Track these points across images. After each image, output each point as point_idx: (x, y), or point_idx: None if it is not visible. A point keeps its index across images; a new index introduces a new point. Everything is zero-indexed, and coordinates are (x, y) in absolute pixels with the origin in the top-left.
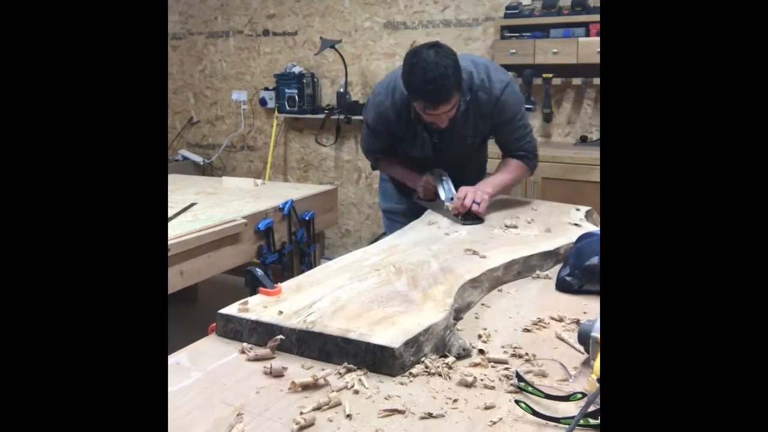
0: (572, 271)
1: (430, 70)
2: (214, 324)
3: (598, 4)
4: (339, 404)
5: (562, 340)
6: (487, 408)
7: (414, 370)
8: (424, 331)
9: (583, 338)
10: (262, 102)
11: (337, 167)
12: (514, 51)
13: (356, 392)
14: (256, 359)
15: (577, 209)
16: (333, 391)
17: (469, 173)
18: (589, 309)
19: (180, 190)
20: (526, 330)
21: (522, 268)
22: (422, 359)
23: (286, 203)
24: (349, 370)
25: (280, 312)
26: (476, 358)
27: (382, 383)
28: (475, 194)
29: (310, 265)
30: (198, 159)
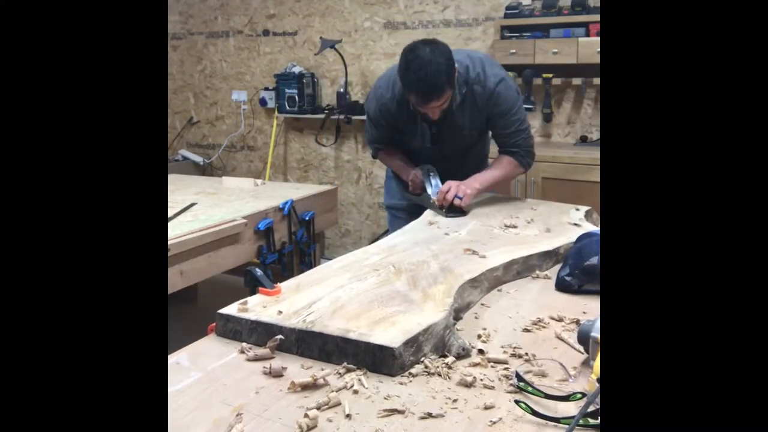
0: (572, 271)
1: (423, 68)
2: (214, 324)
3: (598, 4)
4: (338, 404)
5: (562, 340)
6: (486, 408)
7: (413, 370)
8: (423, 331)
9: (583, 338)
10: (262, 102)
11: (337, 167)
12: (514, 51)
13: (356, 392)
14: (256, 359)
15: (577, 209)
16: (332, 391)
17: (468, 166)
18: (588, 309)
19: (180, 190)
20: (526, 330)
21: (522, 268)
22: (422, 359)
23: (286, 203)
24: (348, 370)
25: (280, 312)
26: (476, 358)
27: (381, 383)
28: (459, 188)
29: (310, 265)
30: (198, 159)
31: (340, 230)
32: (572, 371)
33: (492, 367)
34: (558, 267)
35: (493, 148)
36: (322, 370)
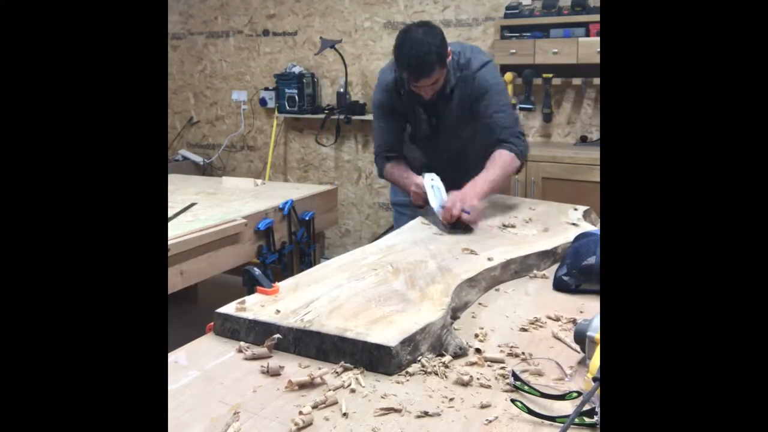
0: (569, 271)
1: (416, 46)
2: (212, 323)
3: (598, 4)
4: (335, 403)
5: (559, 339)
6: (483, 407)
7: (410, 369)
8: (420, 330)
9: (580, 337)
10: (262, 102)
11: (337, 167)
12: (514, 51)
13: (353, 391)
14: (253, 358)
15: (575, 209)
16: (329, 390)
17: (469, 162)
18: (585, 308)
19: (180, 190)
20: (523, 329)
21: (519, 268)
22: (419, 358)
23: (286, 203)
24: (345, 369)
25: (278, 311)
26: (473, 357)
27: (378, 382)
28: (464, 202)
29: (310, 265)
30: (198, 159)
31: (340, 230)
32: (568, 370)
33: (489, 366)
34: (555, 266)
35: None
36: (320, 369)
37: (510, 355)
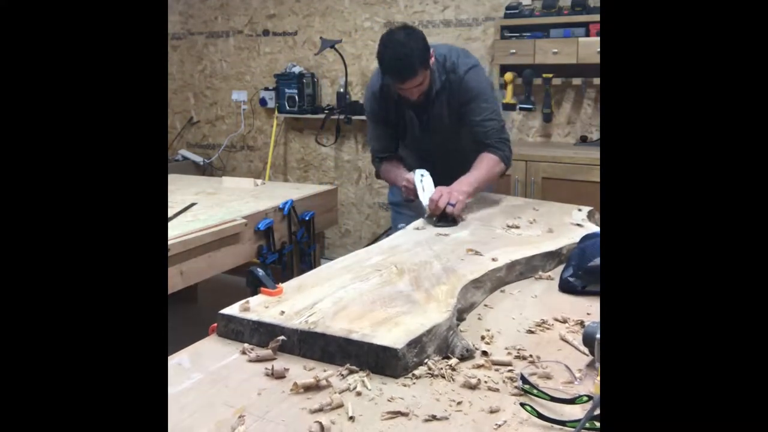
0: (575, 272)
1: (397, 49)
2: (215, 324)
3: (598, 4)
4: (341, 406)
5: (567, 341)
6: (491, 411)
7: (417, 372)
8: (427, 332)
9: (588, 340)
10: (262, 102)
11: (337, 167)
12: (514, 51)
13: (359, 394)
14: (258, 360)
15: (579, 209)
16: (335, 393)
17: (460, 159)
18: (592, 310)
19: (180, 190)
20: (530, 331)
21: (524, 269)
22: (425, 360)
23: (286, 203)
24: (351, 372)
25: (282, 312)
26: (479, 359)
27: (384, 385)
28: (450, 195)
29: (310, 265)
30: (198, 159)
31: (340, 230)
32: (577, 373)
33: (496, 369)
34: (561, 268)
35: None
36: (325, 371)
37: (517, 357)
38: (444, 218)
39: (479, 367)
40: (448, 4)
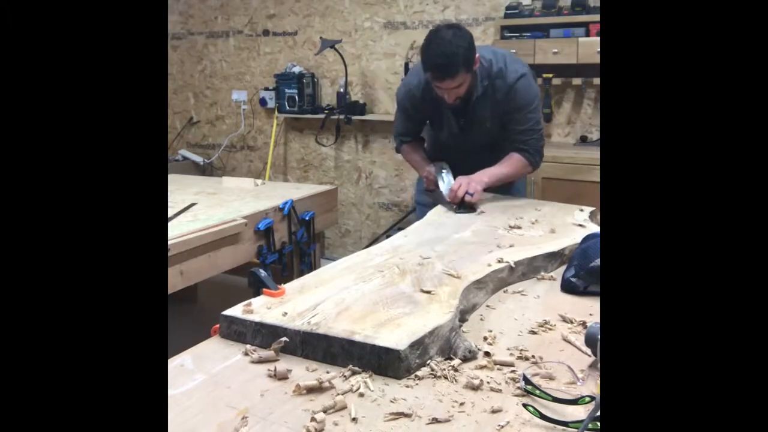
0: (577, 273)
1: (442, 46)
2: (218, 326)
3: (598, 4)
4: (344, 407)
5: (569, 342)
6: (494, 411)
7: (420, 373)
8: (429, 333)
9: (591, 340)
10: (262, 102)
11: (337, 167)
12: (514, 51)
13: (361, 395)
14: (260, 361)
15: (581, 210)
16: (338, 394)
17: (496, 161)
18: (595, 311)
19: (180, 190)
20: (532, 332)
21: (527, 269)
22: (428, 362)
23: (286, 203)
24: (354, 373)
25: (284, 314)
26: (482, 360)
27: (387, 386)
28: (469, 185)
29: (310, 265)
30: (198, 159)
31: (340, 230)
32: (580, 374)
33: (498, 369)
34: (563, 268)
35: None
36: (328, 372)
37: (520, 358)
38: (462, 205)
39: (482, 368)
40: (448, 4)
